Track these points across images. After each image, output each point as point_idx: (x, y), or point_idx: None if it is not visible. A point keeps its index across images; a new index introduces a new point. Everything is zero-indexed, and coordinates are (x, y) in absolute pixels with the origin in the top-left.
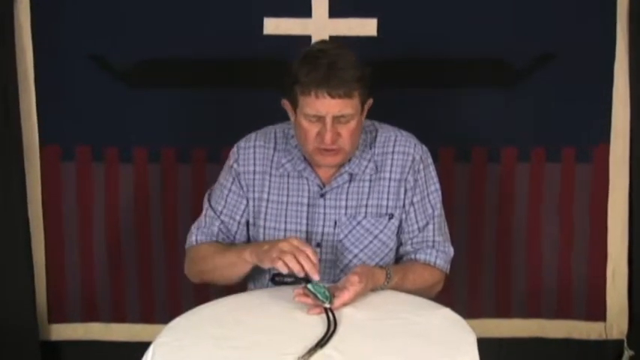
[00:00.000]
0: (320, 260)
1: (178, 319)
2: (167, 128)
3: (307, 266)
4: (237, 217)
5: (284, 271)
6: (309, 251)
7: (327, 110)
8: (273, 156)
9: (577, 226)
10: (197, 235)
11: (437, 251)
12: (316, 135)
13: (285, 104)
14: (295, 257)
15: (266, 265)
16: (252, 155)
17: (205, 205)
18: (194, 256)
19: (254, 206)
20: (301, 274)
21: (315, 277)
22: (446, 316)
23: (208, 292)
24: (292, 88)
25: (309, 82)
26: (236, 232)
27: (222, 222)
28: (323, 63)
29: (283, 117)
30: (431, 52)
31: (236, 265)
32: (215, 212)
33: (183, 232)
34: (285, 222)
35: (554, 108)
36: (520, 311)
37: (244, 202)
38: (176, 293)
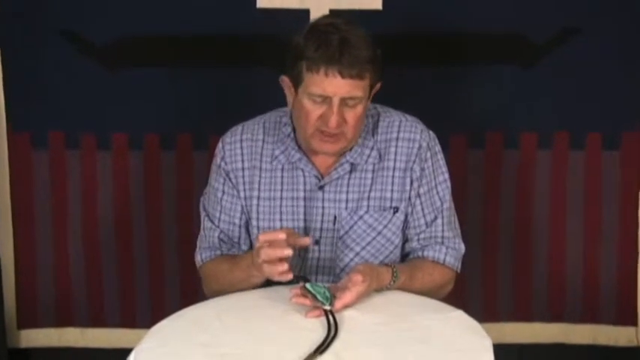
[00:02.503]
0: (318, 259)
1: (162, 324)
2: (149, 112)
3: (278, 253)
4: (237, 221)
5: (288, 278)
6: (274, 235)
7: (335, 91)
8: (262, 149)
9: (604, 220)
10: (201, 253)
11: (446, 248)
12: (318, 117)
13: (284, 81)
14: (270, 260)
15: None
16: (239, 150)
17: (202, 214)
18: (205, 275)
19: (245, 206)
20: (288, 272)
21: (303, 242)
22: (458, 319)
23: (196, 294)
24: (296, 64)
25: (318, 59)
26: (239, 238)
27: (222, 231)
28: (334, 38)
29: (278, 99)
30: (441, 27)
31: (249, 280)
32: (213, 222)
33: (167, 227)
34: (280, 220)
35: (578, 89)
36: (541, 314)
37: (240, 202)
38: (160, 295)
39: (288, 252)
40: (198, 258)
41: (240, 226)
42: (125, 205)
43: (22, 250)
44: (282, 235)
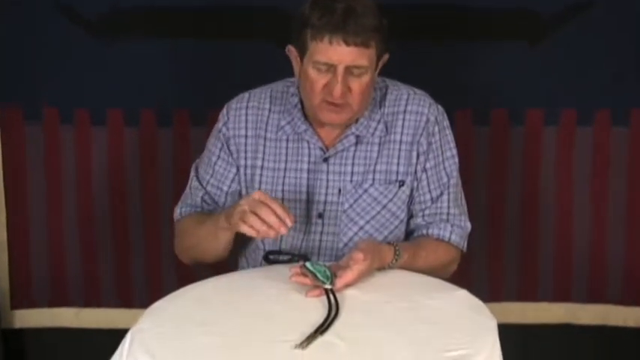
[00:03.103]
0: (321, 233)
1: (160, 303)
2: (145, 87)
3: (271, 220)
4: (225, 188)
5: (251, 234)
6: (274, 204)
7: (340, 59)
8: (268, 118)
9: (612, 198)
10: (181, 207)
11: (452, 225)
12: (323, 87)
13: (291, 51)
14: (258, 215)
15: (235, 230)
16: (243, 117)
17: (191, 173)
18: (178, 231)
19: (246, 174)
20: (271, 234)
21: (287, 224)
22: (463, 299)
23: (193, 273)
24: (301, 33)
25: (322, 26)
26: (224, 204)
27: (207, 192)
28: (339, 7)
29: (280, 73)
30: (448, 1)
31: (215, 234)
32: (201, 183)
33: (165, 205)
34: (283, 191)
35: (587, 65)
36: (547, 294)
37: (233, 170)
38: (157, 274)
39: (286, 228)
40: (177, 212)
41: (227, 193)
42: (121, 182)
43: (15, 229)
44: (279, 209)
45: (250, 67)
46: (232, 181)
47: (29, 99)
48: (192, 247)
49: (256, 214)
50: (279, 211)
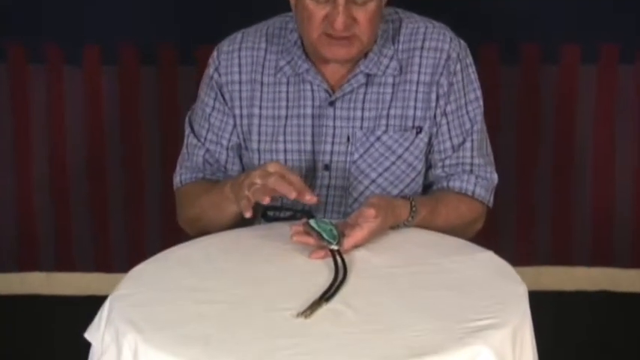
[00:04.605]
0: (328, 187)
1: (142, 266)
2: (125, 20)
3: (284, 189)
4: (224, 142)
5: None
6: (293, 177)
7: None
8: (264, 59)
9: None
10: (181, 174)
11: (476, 177)
12: (323, 19)
13: None
14: (275, 188)
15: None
16: (236, 61)
17: (187, 130)
18: (181, 200)
19: (242, 125)
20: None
21: (308, 198)
22: (488, 261)
23: (181, 232)
24: None
25: None
26: (226, 162)
27: (208, 150)
28: None
29: (275, 4)
30: None
31: (220, 204)
32: (198, 139)
33: (148, 155)
34: (285, 141)
35: None
36: (584, 257)
37: (231, 121)
38: (139, 235)
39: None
40: (177, 179)
41: (227, 149)
42: (98, 130)
43: None
44: (295, 179)
45: None
46: (232, 134)
47: None
48: (196, 219)
49: (266, 187)
50: (299, 185)
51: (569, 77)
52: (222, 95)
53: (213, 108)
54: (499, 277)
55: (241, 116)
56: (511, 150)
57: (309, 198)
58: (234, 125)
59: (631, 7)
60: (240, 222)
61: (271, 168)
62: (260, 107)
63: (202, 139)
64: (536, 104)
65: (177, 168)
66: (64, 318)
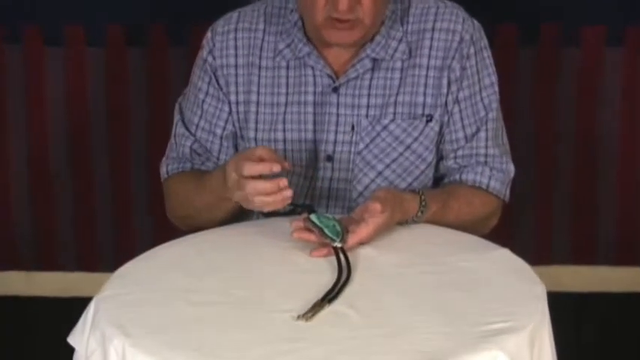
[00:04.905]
0: (330, 179)
1: (130, 265)
2: None
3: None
4: (219, 131)
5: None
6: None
7: None
8: (262, 41)
9: None
10: (167, 164)
11: (491, 169)
12: (326, 1)
13: None
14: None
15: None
16: (232, 43)
17: (176, 117)
18: (168, 193)
19: (238, 113)
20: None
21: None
22: (504, 260)
23: (173, 229)
24: None
25: None
26: (219, 152)
27: (197, 141)
28: None
29: None
30: None
31: (217, 205)
32: (188, 128)
33: (137, 145)
34: (284, 130)
35: None
36: (607, 256)
37: (226, 109)
38: (126, 230)
39: (277, 168)
40: (163, 169)
41: (221, 138)
42: (82, 117)
43: None
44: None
45: None
46: (227, 122)
47: None
48: (191, 217)
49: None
50: (267, 154)
51: (592, 61)
52: (217, 80)
53: (207, 94)
54: (515, 277)
55: (237, 103)
56: (529, 140)
57: (276, 168)
58: (230, 112)
59: None
60: (237, 217)
61: (246, 171)
62: (258, 93)
63: (193, 128)
64: (556, 90)
65: (164, 157)
66: (45, 321)
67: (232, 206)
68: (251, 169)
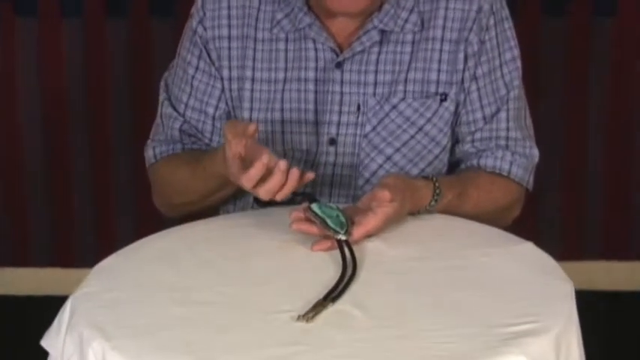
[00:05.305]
0: (334, 165)
1: (111, 260)
2: None
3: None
4: (210, 110)
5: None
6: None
7: None
8: (259, 10)
9: None
10: (154, 147)
11: (512, 154)
12: None
13: None
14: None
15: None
16: (225, 12)
17: (162, 95)
18: (156, 180)
19: (231, 90)
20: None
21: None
22: (527, 255)
23: (158, 220)
24: None
25: None
26: (212, 133)
27: (187, 121)
28: None
29: None
30: None
31: (225, 187)
32: (176, 108)
33: (118, 124)
34: (282, 110)
35: None
36: None
37: (218, 85)
38: (107, 221)
39: (252, 127)
40: (149, 152)
41: (213, 118)
42: (58, 95)
43: None
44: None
45: None
46: (219, 100)
47: None
48: (189, 203)
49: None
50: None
51: (629, 32)
52: (208, 53)
53: (197, 69)
54: (540, 274)
55: (230, 79)
56: (556, 120)
57: (307, 176)
58: (222, 90)
59: None
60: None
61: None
62: (253, 69)
63: (182, 108)
64: (586, 64)
65: (149, 140)
66: (15, 322)
67: (237, 187)
68: (248, 181)
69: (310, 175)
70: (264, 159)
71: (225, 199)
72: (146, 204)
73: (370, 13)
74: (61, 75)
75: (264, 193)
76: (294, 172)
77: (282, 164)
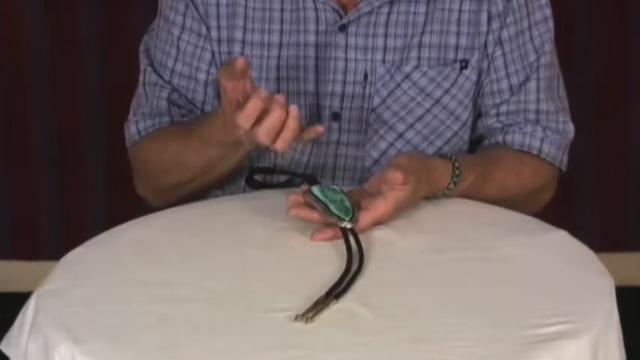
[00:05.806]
0: (337, 143)
1: (80, 251)
2: None
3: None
4: (202, 76)
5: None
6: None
7: None
8: None
9: None
10: (136, 121)
11: (544, 129)
12: None
13: None
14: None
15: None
16: None
17: (143, 63)
18: (144, 159)
19: (221, 54)
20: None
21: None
22: (560, 245)
23: (134, 205)
24: None
25: None
26: (204, 102)
27: (175, 89)
28: None
29: None
30: None
31: (227, 157)
32: (160, 74)
33: (88, 98)
34: (278, 79)
35: None
36: None
37: (209, 47)
38: (75, 207)
39: (240, 61)
40: (132, 129)
41: (205, 84)
42: (19, 63)
43: None
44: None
45: None
46: (211, 64)
47: None
48: (183, 183)
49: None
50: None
51: None
52: (196, 8)
53: (183, 28)
54: (575, 267)
55: (219, 41)
56: (593, 92)
57: (314, 130)
58: (213, 52)
59: None
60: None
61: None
62: (244, 29)
63: (167, 75)
64: (628, 27)
65: (131, 115)
66: None
67: (242, 155)
68: (245, 118)
69: (319, 129)
70: (262, 93)
71: (222, 179)
72: (121, 187)
73: None
74: (22, 39)
75: (264, 133)
76: (294, 109)
77: (280, 97)
